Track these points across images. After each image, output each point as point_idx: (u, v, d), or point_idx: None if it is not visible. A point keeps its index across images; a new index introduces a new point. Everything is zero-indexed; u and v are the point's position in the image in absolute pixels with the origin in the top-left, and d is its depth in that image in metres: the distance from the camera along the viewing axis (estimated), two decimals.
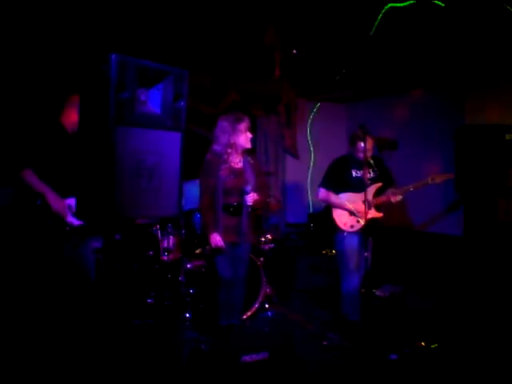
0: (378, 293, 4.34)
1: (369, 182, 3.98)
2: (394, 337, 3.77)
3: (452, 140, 5.62)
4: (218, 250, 3.63)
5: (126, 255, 4.41)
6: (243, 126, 3.58)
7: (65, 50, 4.57)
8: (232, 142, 3.57)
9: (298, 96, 6.94)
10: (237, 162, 3.67)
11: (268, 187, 5.14)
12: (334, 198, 4.13)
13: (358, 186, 3.99)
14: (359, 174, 4.06)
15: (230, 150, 3.59)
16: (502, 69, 5.22)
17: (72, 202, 3.43)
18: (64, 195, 3.42)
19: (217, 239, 3.58)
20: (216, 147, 3.61)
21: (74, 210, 3.40)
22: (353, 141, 4.13)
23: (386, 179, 4.15)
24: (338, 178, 4.13)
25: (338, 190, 4.12)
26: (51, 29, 4.35)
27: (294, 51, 5.22)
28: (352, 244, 4.05)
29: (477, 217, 5.30)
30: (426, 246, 5.80)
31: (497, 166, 5.19)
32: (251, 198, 3.58)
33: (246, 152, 3.72)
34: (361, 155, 3.91)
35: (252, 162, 3.75)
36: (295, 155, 7.25)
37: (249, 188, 3.58)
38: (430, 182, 3.90)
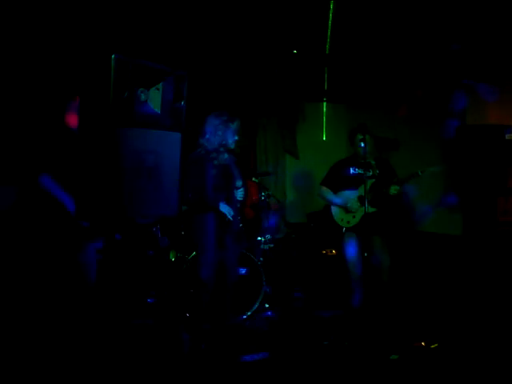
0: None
1: (366, 179, 4.07)
2: (394, 337, 3.77)
3: (452, 140, 5.61)
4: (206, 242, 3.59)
5: (126, 255, 4.41)
6: (236, 125, 3.61)
7: (65, 51, 4.58)
8: (224, 140, 3.58)
9: (298, 96, 6.94)
10: (224, 159, 3.67)
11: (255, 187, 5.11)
12: (330, 196, 4.29)
13: (355, 183, 4.15)
14: (357, 171, 4.19)
15: (221, 149, 3.59)
16: (502, 68, 5.22)
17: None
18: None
19: (227, 207, 3.53)
20: (207, 144, 3.59)
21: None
22: (349, 137, 4.28)
23: (389, 179, 4.14)
24: (337, 177, 4.28)
25: (336, 189, 4.27)
26: (51, 30, 4.35)
27: (295, 51, 5.23)
28: (350, 241, 4.20)
29: (476, 216, 5.29)
30: (425, 246, 5.79)
31: (497, 166, 5.18)
32: (242, 192, 3.59)
33: (230, 151, 3.71)
34: (359, 152, 4.09)
35: (236, 160, 3.76)
36: (295, 156, 7.25)
37: (240, 183, 3.59)
38: (420, 174, 3.94)
